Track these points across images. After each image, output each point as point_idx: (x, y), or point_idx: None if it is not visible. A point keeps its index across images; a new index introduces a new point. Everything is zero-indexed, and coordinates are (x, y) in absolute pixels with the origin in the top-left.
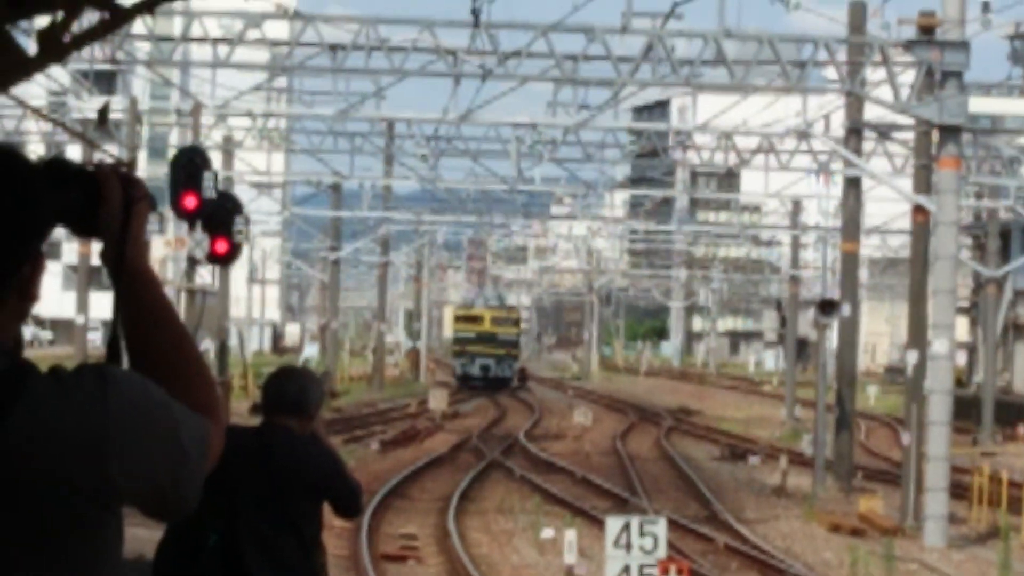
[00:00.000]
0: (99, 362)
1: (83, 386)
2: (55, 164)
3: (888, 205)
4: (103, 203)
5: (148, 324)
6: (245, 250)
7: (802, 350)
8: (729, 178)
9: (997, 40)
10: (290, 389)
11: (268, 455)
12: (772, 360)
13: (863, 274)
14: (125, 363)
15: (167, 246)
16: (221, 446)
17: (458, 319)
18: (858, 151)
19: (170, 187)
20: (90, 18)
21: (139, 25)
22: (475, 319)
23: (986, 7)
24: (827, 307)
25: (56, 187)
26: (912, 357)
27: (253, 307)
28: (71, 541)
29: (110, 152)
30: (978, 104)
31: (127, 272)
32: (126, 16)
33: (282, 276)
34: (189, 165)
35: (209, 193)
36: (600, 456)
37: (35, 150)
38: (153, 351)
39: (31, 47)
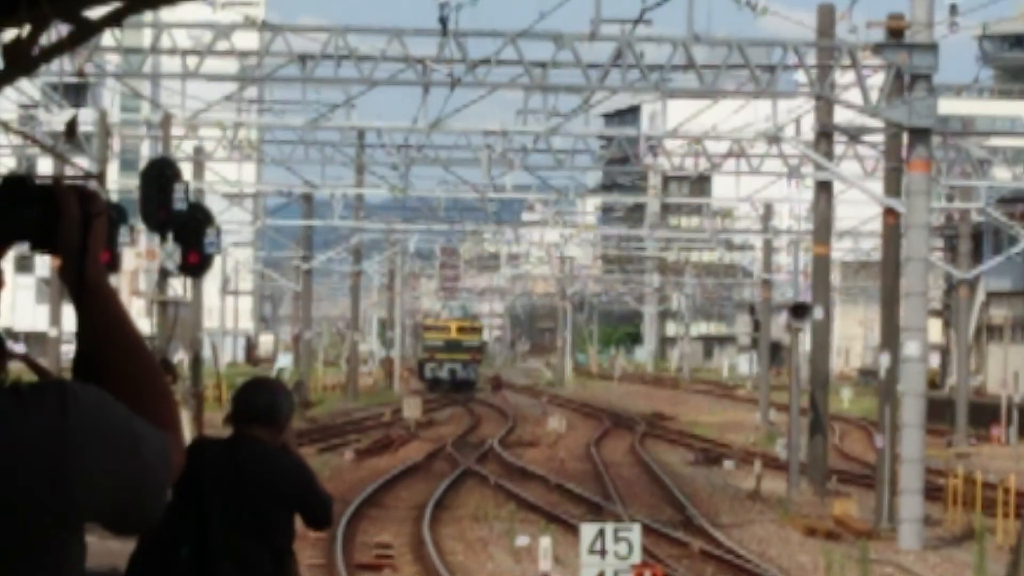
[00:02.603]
0: (60, 378)
1: (43, 402)
2: (12, 181)
3: (859, 208)
4: (61, 219)
5: (107, 339)
6: (217, 261)
7: (775, 354)
8: (700, 183)
9: (966, 41)
10: (260, 401)
11: (239, 466)
12: (746, 364)
13: (835, 277)
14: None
15: (139, 258)
16: (182, 460)
17: (427, 328)
18: (829, 154)
19: (141, 199)
20: (58, 31)
21: (108, 37)
22: (442, 329)
23: (954, 9)
24: (800, 310)
25: (14, 204)
26: (885, 360)
27: (226, 318)
28: (32, 558)
29: (80, 165)
30: (948, 106)
31: (86, 288)
32: (94, 29)
33: (255, 287)
34: (160, 177)
35: (180, 205)
36: (574, 462)
37: (5, 163)
38: (112, 366)
39: None
